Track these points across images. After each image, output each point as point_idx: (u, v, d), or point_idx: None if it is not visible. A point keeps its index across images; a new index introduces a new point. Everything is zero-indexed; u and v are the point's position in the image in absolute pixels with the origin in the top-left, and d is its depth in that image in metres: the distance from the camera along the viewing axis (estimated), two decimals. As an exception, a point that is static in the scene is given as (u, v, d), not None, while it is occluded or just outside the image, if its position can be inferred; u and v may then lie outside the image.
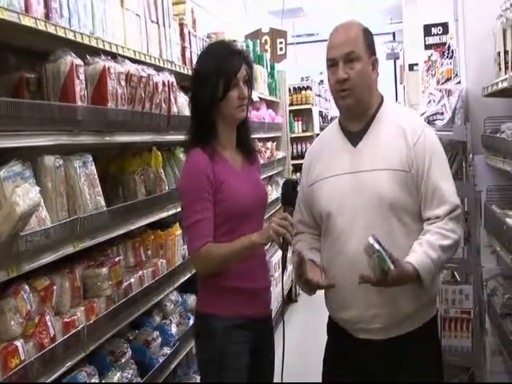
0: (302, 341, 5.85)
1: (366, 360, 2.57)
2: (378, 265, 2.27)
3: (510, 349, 3.18)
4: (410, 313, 2.52)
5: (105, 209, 2.81)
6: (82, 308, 2.69)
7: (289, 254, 2.61)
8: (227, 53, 2.71)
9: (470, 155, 4.07)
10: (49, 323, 2.41)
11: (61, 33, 2.46)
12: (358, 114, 2.60)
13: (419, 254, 2.40)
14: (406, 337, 2.54)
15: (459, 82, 4.52)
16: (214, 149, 2.67)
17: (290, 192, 2.59)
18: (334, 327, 2.72)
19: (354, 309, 2.54)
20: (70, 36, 2.53)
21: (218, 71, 2.64)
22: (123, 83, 2.90)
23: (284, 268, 2.62)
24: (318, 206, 2.62)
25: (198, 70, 2.76)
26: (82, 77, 2.62)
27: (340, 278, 2.52)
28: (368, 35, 2.59)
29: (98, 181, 2.80)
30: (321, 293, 2.64)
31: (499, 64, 3.41)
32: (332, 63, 2.55)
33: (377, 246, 2.26)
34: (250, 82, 2.75)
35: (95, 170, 2.80)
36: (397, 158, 2.49)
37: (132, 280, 3.15)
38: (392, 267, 2.26)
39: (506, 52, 3.29)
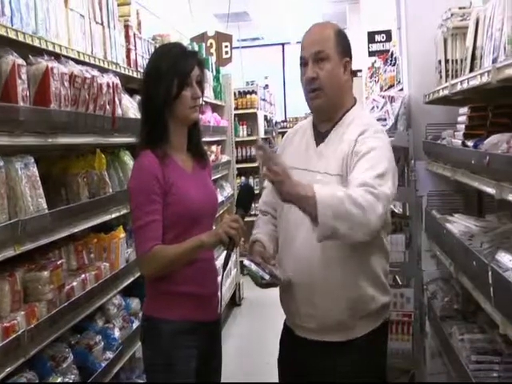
0: (246, 344, 5.85)
1: (307, 361, 2.59)
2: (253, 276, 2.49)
3: (448, 351, 3.24)
4: (344, 322, 2.52)
5: (47, 211, 2.76)
6: (23, 312, 2.63)
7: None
8: (181, 53, 2.70)
9: (412, 161, 4.14)
10: (-12, 328, 2.35)
11: (2, 31, 2.41)
12: (328, 117, 2.61)
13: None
14: (346, 343, 2.54)
15: (402, 89, 4.60)
16: (164, 151, 2.65)
17: (245, 196, 2.61)
18: (285, 326, 2.75)
19: (294, 303, 2.57)
20: (12, 35, 2.48)
21: (173, 70, 2.62)
22: (67, 84, 2.86)
23: (225, 268, 2.63)
24: None
25: (151, 69, 2.73)
26: (24, 77, 2.57)
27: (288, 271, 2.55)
28: (341, 37, 2.61)
29: (39, 183, 2.75)
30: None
31: (440, 72, 3.50)
32: (302, 62, 2.58)
33: (249, 266, 2.46)
34: (201, 84, 2.75)
35: (37, 172, 2.75)
36: (338, 163, 2.49)
37: (74, 283, 3.09)
38: (266, 277, 2.43)
39: (446, 60, 3.38)
